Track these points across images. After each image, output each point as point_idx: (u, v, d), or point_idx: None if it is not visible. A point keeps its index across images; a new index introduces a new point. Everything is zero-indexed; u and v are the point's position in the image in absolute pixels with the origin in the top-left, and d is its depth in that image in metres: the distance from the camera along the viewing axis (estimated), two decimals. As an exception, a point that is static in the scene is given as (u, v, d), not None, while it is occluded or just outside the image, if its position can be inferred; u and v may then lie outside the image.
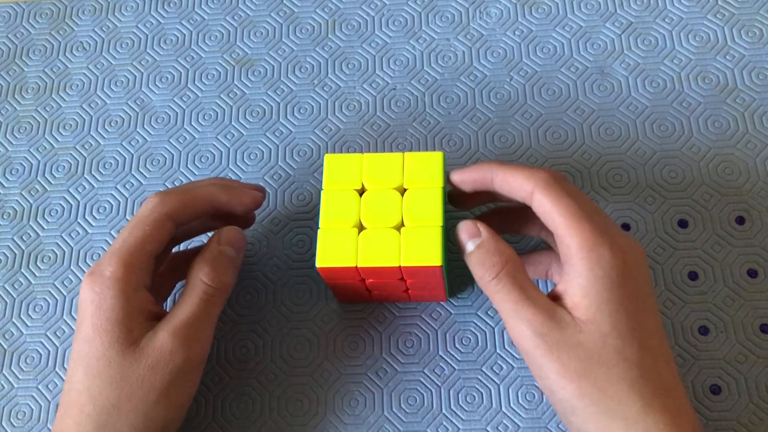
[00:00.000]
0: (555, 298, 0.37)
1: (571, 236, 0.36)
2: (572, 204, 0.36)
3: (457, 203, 0.42)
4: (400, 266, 0.38)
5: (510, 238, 0.46)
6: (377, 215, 0.39)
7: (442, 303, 0.45)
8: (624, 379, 0.34)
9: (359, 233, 0.39)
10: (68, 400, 0.38)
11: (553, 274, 0.43)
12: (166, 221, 0.39)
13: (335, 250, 0.39)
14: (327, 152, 0.49)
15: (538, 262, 0.43)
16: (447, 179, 0.41)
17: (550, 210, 0.36)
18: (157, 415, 0.37)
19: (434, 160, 0.40)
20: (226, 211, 0.42)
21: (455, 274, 0.45)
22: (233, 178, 0.49)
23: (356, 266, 0.38)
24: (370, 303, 0.45)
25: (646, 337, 0.35)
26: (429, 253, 0.38)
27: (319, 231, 0.39)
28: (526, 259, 0.43)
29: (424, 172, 0.40)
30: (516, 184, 0.38)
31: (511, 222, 0.43)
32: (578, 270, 0.35)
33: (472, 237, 0.38)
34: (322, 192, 0.40)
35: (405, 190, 0.40)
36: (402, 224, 0.39)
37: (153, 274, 0.40)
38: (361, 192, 0.40)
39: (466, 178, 0.40)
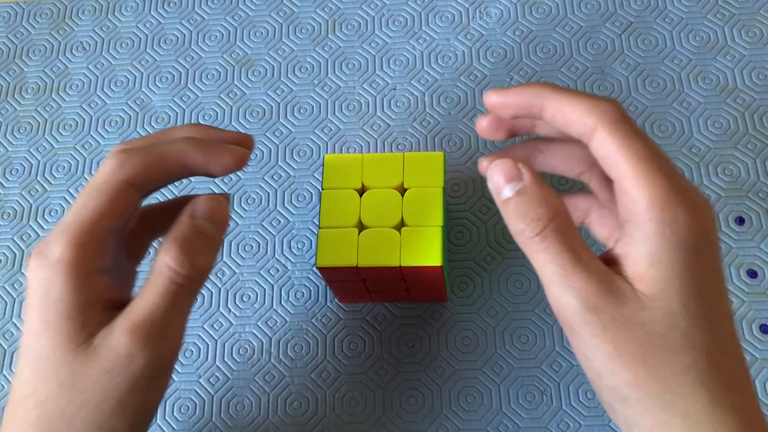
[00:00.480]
0: (610, 262, 0.30)
1: (640, 189, 0.29)
2: (644, 149, 0.29)
3: (487, 131, 0.35)
4: (400, 266, 0.38)
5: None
6: (377, 215, 0.39)
7: (442, 303, 0.45)
8: (691, 370, 0.28)
9: (359, 233, 0.39)
10: (15, 401, 0.32)
11: (592, 222, 0.35)
12: (127, 189, 0.32)
13: (335, 250, 0.39)
14: (327, 152, 0.49)
15: (575, 207, 0.36)
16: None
17: (616, 153, 0.29)
18: (114, 426, 0.31)
19: (434, 160, 0.40)
20: (202, 173, 0.34)
21: (455, 274, 0.45)
22: (233, 178, 0.49)
23: (356, 266, 0.38)
24: (370, 303, 0.45)
25: (718, 319, 0.29)
26: (429, 253, 0.38)
27: (319, 231, 0.39)
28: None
29: (424, 172, 0.40)
30: (574, 116, 0.30)
31: (547, 156, 0.35)
32: (646, 232, 0.29)
33: (511, 180, 0.30)
34: (322, 192, 0.40)
35: (405, 190, 0.40)
36: (402, 224, 0.39)
37: (115, 253, 0.33)
38: (361, 192, 0.40)
39: (509, 102, 0.32)
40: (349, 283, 0.41)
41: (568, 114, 0.31)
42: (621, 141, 0.29)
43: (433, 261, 0.38)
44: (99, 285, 0.32)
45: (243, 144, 0.35)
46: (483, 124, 0.34)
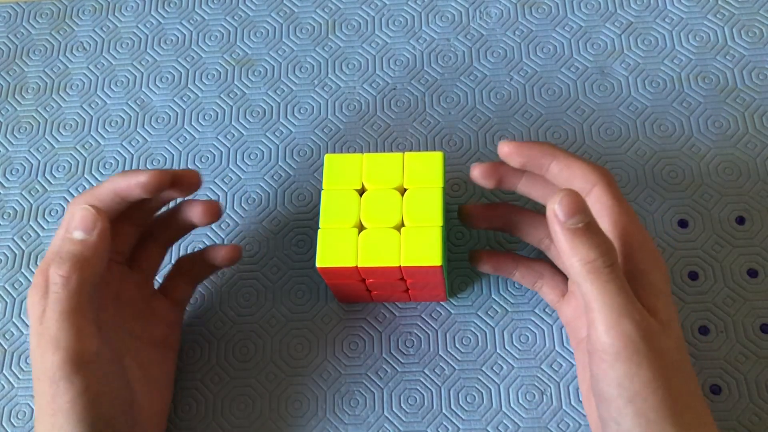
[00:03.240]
0: None
1: (635, 236, 0.35)
2: (629, 207, 0.36)
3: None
4: (400, 266, 0.38)
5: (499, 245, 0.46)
6: (377, 215, 0.39)
7: (442, 303, 0.45)
8: (693, 392, 0.33)
9: (359, 233, 0.39)
10: None
11: (544, 285, 0.42)
12: None
13: (335, 250, 0.39)
14: (327, 152, 0.49)
15: (533, 269, 0.42)
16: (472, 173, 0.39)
17: (611, 206, 0.36)
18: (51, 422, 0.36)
19: (434, 160, 0.40)
20: (133, 197, 0.39)
21: (456, 274, 0.45)
22: (233, 178, 0.49)
23: (356, 266, 0.38)
24: (370, 303, 0.45)
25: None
26: (429, 253, 0.38)
27: (319, 231, 0.39)
28: (521, 263, 0.43)
29: (424, 172, 0.40)
30: (579, 172, 0.37)
31: (515, 223, 0.42)
32: (643, 269, 0.34)
33: (580, 212, 0.32)
34: (322, 192, 0.40)
35: (405, 190, 0.40)
36: (402, 224, 0.39)
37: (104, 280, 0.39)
38: (361, 192, 0.40)
39: (523, 152, 0.37)
40: (349, 283, 0.41)
41: (575, 170, 0.37)
42: (615, 197, 0.36)
43: (433, 261, 0.38)
44: None
45: (185, 176, 0.40)
46: (480, 168, 0.39)
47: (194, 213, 0.41)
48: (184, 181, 0.40)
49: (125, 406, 0.37)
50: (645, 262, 0.34)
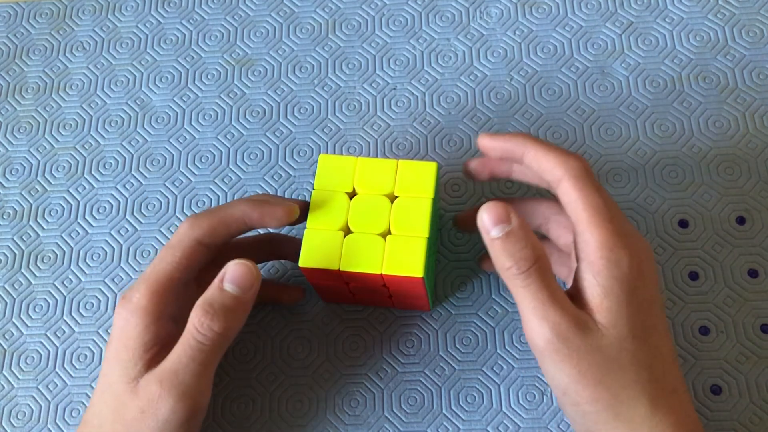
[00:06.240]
0: (571, 297, 0.35)
1: (592, 233, 0.34)
2: (598, 200, 0.35)
3: (472, 174, 0.41)
4: (381, 274, 0.38)
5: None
6: (364, 220, 0.39)
7: (442, 304, 0.45)
8: (636, 382, 0.34)
9: (344, 237, 0.38)
10: (86, 418, 0.38)
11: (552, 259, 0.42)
12: (197, 247, 0.38)
13: (319, 251, 0.38)
14: (327, 152, 0.49)
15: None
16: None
17: (575, 201, 0.35)
18: None
19: (427, 170, 0.39)
20: (257, 226, 0.39)
21: (455, 274, 0.45)
22: (233, 178, 0.49)
23: (338, 270, 0.38)
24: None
25: (656, 339, 0.35)
26: (411, 264, 0.37)
27: (305, 231, 0.39)
28: None
29: (415, 182, 0.39)
30: (547, 166, 0.36)
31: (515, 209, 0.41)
32: (596, 269, 0.34)
33: (501, 222, 0.34)
34: (312, 192, 0.40)
35: (395, 197, 0.39)
36: (388, 232, 0.39)
37: (186, 302, 0.38)
38: (352, 195, 0.40)
39: (497, 146, 0.38)
40: (331, 284, 0.41)
41: (543, 164, 0.36)
42: (581, 192, 0.35)
43: (415, 272, 0.37)
44: (162, 329, 0.37)
45: (295, 203, 0.40)
46: (471, 165, 0.41)
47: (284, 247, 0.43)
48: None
49: None
50: (596, 260, 0.34)
